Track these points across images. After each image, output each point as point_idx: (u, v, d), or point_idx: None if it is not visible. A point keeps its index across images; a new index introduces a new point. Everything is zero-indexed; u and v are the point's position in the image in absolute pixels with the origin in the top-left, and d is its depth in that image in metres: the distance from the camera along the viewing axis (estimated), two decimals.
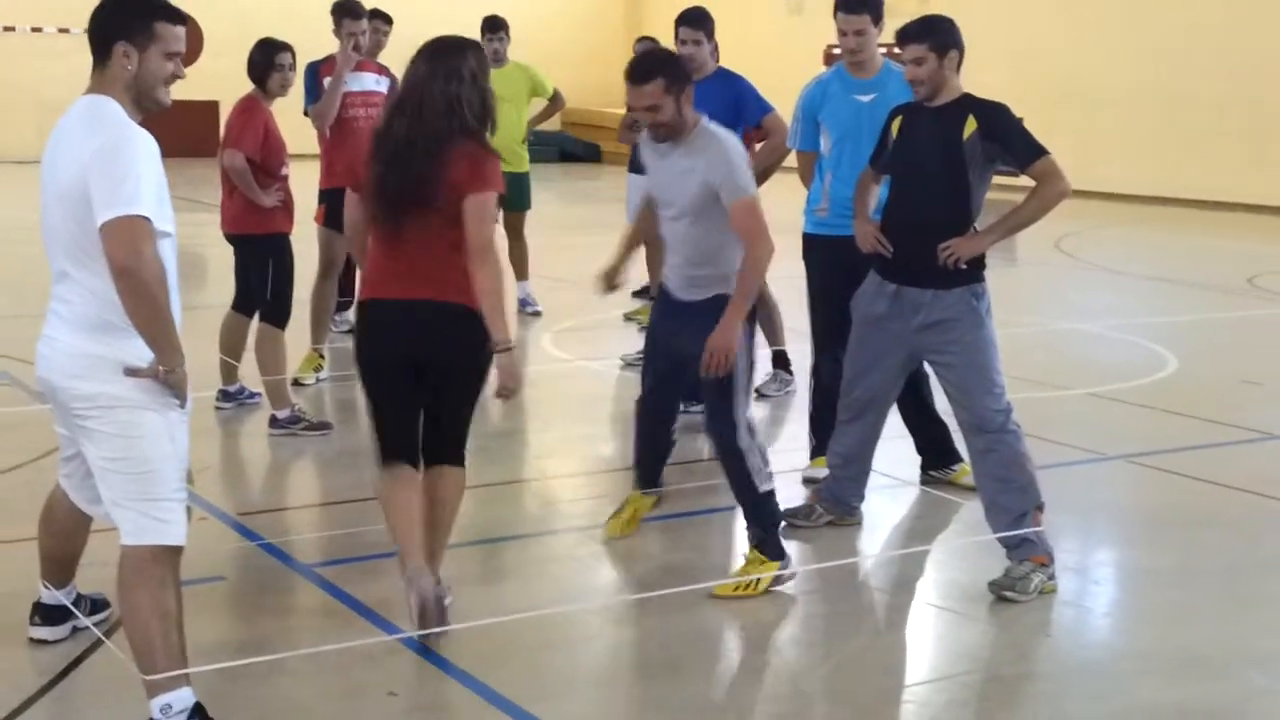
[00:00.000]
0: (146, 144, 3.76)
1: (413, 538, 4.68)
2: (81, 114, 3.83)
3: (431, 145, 4.62)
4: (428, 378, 4.78)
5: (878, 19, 6.36)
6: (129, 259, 3.62)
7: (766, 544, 5.25)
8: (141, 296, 3.67)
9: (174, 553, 3.90)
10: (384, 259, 4.78)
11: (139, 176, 3.68)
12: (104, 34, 3.84)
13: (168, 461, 3.86)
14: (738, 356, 5.07)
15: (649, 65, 5.13)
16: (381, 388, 4.85)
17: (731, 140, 5.17)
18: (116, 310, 3.74)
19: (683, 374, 5.42)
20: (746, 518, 5.35)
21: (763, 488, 5.24)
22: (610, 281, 5.73)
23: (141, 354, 3.78)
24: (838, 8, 6.38)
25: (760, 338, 8.56)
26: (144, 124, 3.86)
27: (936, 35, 5.32)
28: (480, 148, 4.68)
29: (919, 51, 5.31)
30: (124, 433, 3.81)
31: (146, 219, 3.66)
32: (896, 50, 5.47)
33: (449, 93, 4.63)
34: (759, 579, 5.19)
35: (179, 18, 3.90)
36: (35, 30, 25.53)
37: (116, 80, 3.84)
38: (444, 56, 4.70)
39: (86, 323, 3.81)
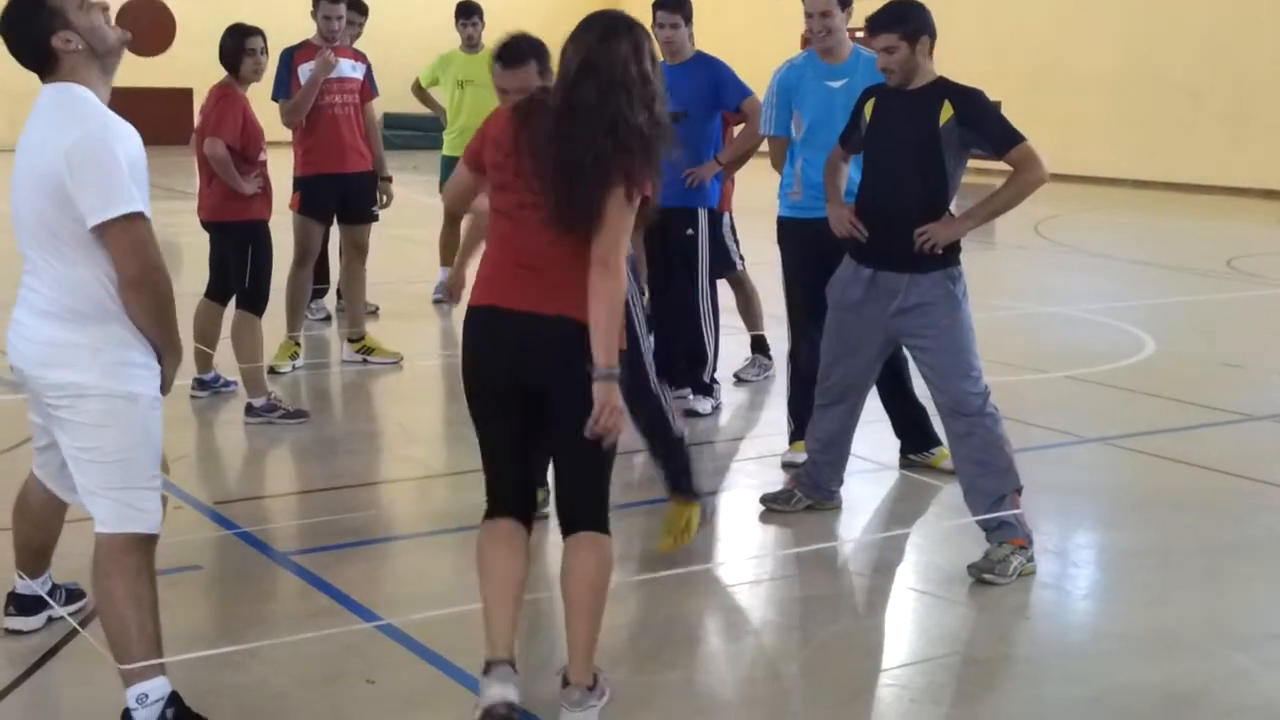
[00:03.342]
0: (122, 131, 3.71)
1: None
2: (53, 100, 3.75)
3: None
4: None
5: (845, 3, 6.35)
6: (140, 271, 3.65)
7: (683, 487, 5.41)
8: (151, 307, 3.72)
9: (149, 541, 3.87)
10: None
11: (125, 170, 3.64)
12: (36, 43, 3.75)
13: (141, 449, 3.83)
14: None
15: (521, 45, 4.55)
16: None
17: None
18: (84, 298, 3.72)
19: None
20: (662, 464, 5.45)
21: (676, 432, 5.36)
22: None
23: (110, 339, 3.75)
24: None
25: (740, 324, 8.64)
26: (120, 112, 3.79)
27: (907, 22, 5.24)
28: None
29: (890, 40, 5.24)
30: (96, 421, 3.78)
31: (144, 216, 3.65)
32: (861, 36, 5.44)
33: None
34: (688, 521, 5.41)
35: None
36: None
37: (76, 68, 3.76)
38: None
39: (54, 310, 3.76)
